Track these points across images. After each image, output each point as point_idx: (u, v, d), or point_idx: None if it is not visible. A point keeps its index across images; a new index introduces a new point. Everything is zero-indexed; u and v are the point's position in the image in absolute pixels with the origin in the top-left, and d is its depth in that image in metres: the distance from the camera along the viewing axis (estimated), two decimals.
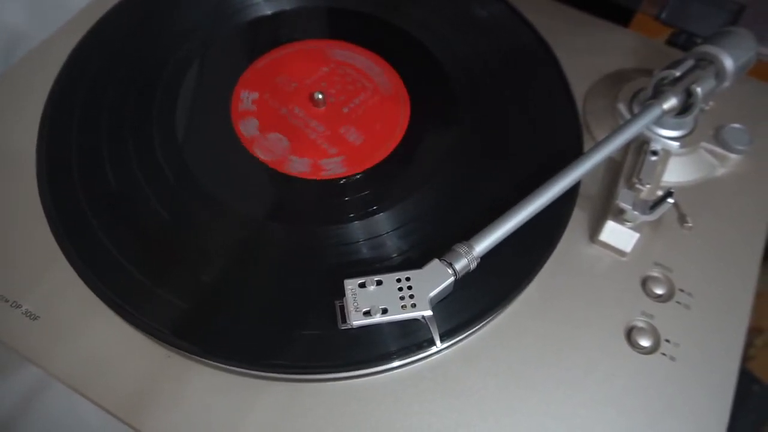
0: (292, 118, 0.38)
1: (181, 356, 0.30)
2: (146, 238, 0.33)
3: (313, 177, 0.35)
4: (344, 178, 0.35)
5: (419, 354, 0.30)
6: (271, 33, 0.42)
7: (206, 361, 0.29)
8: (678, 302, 0.33)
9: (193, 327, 0.30)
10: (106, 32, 0.42)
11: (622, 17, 0.48)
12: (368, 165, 0.36)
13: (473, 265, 0.29)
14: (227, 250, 0.32)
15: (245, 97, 0.37)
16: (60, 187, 0.34)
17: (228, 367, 0.29)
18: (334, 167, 0.36)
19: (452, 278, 0.29)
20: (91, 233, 0.33)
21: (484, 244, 0.30)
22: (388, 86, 0.40)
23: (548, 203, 0.31)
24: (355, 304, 0.28)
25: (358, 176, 0.35)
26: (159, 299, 0.31)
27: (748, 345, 0.35)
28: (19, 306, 0.30)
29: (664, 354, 0.31)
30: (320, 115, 0.38)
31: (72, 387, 0.29)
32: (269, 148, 0.36)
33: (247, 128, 0.36)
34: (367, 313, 0.27)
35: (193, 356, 0.29)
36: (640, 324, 0.32)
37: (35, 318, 0.30)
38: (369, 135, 0.37)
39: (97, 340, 0.30)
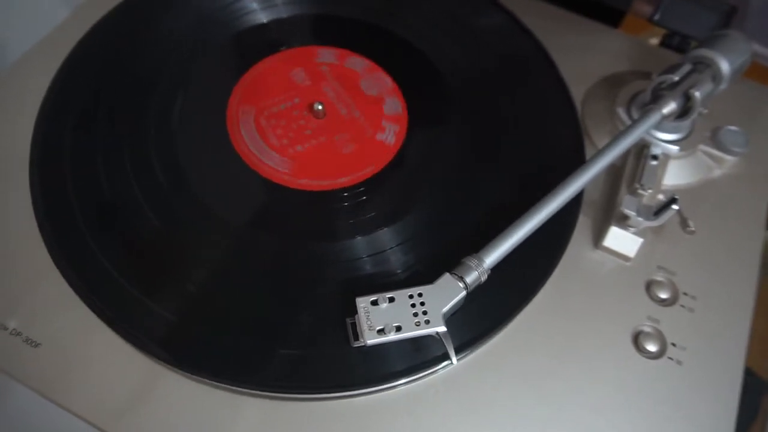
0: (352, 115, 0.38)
1: (175, 372, 0.29)
2: (142, 250, 0.32)
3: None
4: (348, 188, 0.35)
5: (430, 369, 0.29)
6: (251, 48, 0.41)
7: (204, 379, 0.29)
8: (682, 306, 0.33)
9: (190, 342, 0.30)
10: (101, 39, 0.41)
11: (611, 18, 0.48)
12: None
13: (484, 278, 0.29)
14: (224, 266, 0.32)
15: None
16: (54, 200, 0.34)
17: (224, 384, 0.29)
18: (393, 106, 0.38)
19: (464, 292, 0.29)
20: (86, 248, 0.32)
21: (494, 256, 0.29)
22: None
23: (555, 212, 0.31)
24: (369, 322, 0.27)
25: (361, 190, 0.35)
26: (153, 313, 0.30)
27: None
28: (18, 333, 0.29)
29: (670, 358, 0.31)
30: (343, 107, 0.39)
31: (49, 397, 0.28)
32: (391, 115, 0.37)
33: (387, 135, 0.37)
34: (381, 331, 0.27)
35: (198, 376, 0.29)
36: (647, 329, 0.32)
37: (36, 345, 0.29)
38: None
39: (90, 355, 0.30)
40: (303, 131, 0.37)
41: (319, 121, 0.38)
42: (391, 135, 0.36)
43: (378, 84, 0.39)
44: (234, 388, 0.29)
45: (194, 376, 0.29)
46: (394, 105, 0.37)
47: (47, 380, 0.29)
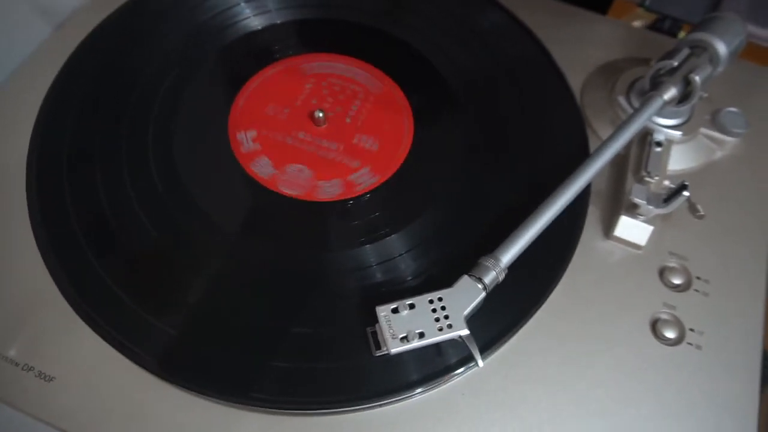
0: (302, 145, 0.37)
1: (182, 390, 0.29)
2: (143, 265, 0.32)
3: (348, 196, 0.34)
4: (352, 199, 0.35)
5: (451, 373, 0.29)
6: (252, 54, 0.41)
7: (214, 398, 0.28)
8: (696, 290, 0.33)
9: (194, 358, 0.29)
10: (97, 47, 0.40)
11: (600, 5, 0.48)
12: (395, 167, 0.36)
13: (501, 277, 0.29)
14: (229, 277, 0.32)
15: (243, 138, 0.35)
16: (52, 213, 0.33)
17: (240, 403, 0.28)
18: (365, 179, 0.35)
19: (484, 293, 0.28)
20: (83, 261, 0.31)
21: (510, 254, 0.29)
22: (378, 85, 0.39)
23: (566, 205, 0.31)
24: (391, 331, 0.27)
25: (367, 197, 0.35)
26: (157, 329, 0.30)
27: None
28: (31, 368, 0.29)
29: (690, 343, 0.31)
30: (327, 133, 0.37)
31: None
32: (293, 182, 0.35)
33: (261, 169, 0.35)
34: (404, 339, 0.27)
35: (206, 395, 0.28)
36: (664, 316, 0.32)
37: (50, 379, 0.28)
38: (382, 137, 0.37)
39: (90, 371, 0.29)
40: (338, 97, 0.39)
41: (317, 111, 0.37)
42: (297, 190, 0.35)
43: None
44: (242, 404, 0.28)
45: (201, 394, 0.28)
46: (333, 187, 0.35)
47: (64, 413, 0.28)
